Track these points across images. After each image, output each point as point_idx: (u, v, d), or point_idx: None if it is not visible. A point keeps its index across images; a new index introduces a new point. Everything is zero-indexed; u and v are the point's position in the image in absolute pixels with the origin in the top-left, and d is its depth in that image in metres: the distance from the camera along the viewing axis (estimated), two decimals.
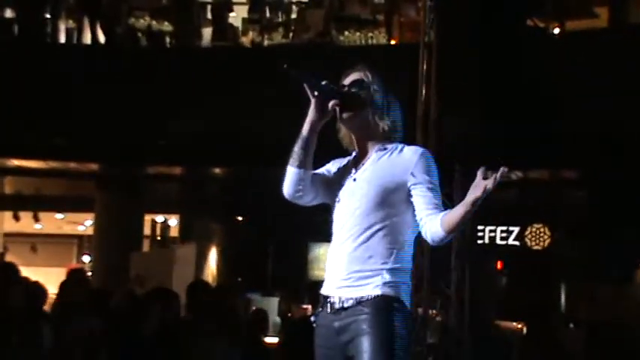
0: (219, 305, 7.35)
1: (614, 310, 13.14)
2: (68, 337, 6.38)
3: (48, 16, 12.65)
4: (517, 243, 13.44)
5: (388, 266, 3.30)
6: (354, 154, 3.50)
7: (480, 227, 12.97)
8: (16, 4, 12.67)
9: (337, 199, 3.42)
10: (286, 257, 15.22)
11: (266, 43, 12.83)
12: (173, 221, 16.74)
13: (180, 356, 6.87)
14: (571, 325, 13.92)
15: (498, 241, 13.46)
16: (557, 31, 11.34)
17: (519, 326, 12.95)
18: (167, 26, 12.92)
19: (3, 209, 16.81)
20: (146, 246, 15.81)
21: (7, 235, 17.97)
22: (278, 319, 10.25)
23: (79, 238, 20.39)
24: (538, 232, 13.36)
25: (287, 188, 3.44)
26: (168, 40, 13.11)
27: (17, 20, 12.60)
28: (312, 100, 3.37)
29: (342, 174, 3.46)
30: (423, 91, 8.70)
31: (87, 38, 12.47)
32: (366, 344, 3.22)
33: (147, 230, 15.74)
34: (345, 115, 3.40)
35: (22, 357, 6.17)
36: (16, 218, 16.39)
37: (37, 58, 11.58)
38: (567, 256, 13.59)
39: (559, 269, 14.25)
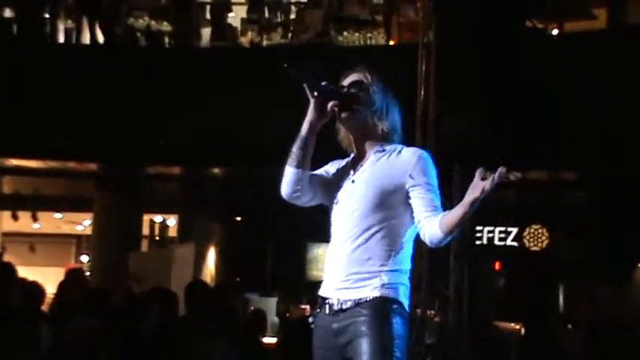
0: (218, 305, 7.35)
1: (613, 310, 13.13)
2: (66, 337, 6.37)
3: (47, 15, 12.65)
4: (515, 244, 13.43)
5: (387, 268, 3.29)
6: (352, 155, 3.49)
7: (478, 228, 12.96)
8: (15, 3, 12.67)
9: (335, 201, 3.42)
10: (285, 257, 15.20)
11: (265, 43, 12.82)
12: (172, 221, 16.73)
13: (178, 356, 6.87)
14: (570, 326, 13.91)
15: (497, 242, 13.45)
16: (555, 32, 11.35)
17: (518, 327, 12.93)
18: (166, 26, 12.91)
19: (1, 209, 16.79)
20: (145, 246, 15.81)
21: (5, 234, 17.95)
22: (276, 320, 10.25)
23: (78, 237, 20.38)
24: (537, 232, 13.35)
25: (285, 188, 3.44)
26: (167, 40, 13.10)
27: (16, 20, 12.60)
28: (312, 101, 3.36)
29: (341, 175, 3.46)
30: (422, 92, 8.69)
31: (86, 38, 12.46)
32: (364, 346, 3.22)
33: (145, 230, 15.74)
34: (344, 116, 3.40)
35: (20, 357, 6.16)
36: (15, 218, 16.37)
37: (36, 57, 11.57)
38: (566, 256, 13.57)
39: (558, 270, 14.23)
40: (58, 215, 17.99)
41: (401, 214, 3.32)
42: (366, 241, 3.30)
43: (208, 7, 13.22)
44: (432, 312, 8.99)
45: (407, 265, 3.36)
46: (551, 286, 14.65)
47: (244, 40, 13.10)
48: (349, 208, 3.35)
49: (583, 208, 12.82)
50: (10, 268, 7.13)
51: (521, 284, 14.10)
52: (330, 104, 3.36)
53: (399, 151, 3.38)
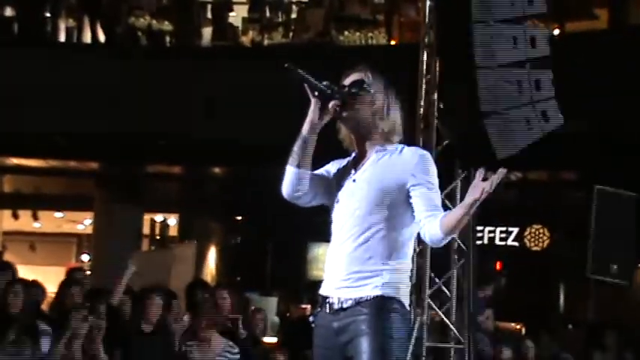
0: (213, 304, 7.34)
1: (613, 310, 13.12)
2: (67, 336, 6.37)
3: (48, 14, 12.65)
4: (516, 244, 13.44)
5: (388, 267, 3.29)
6: (353, 154, 3.49)
7: (479, 228, 12.96)
8: (16, 2, 12.67)
9: (336, 200, 3.42)
10: (285, 257, 15.20)
11: (266, 42, 12.83)
12: (172, 220, 16.74)
13: (178, 355, 6.87)
14: (570, 326, 13.90)
15: (497, 242, 13.46)
16: (557, 32, 11.33)
17: (518, 327, 12.92)
18: (167, 26, 12.91)
19: (2, 208, 16.80)
20: (145, 245, 15.81)
21: (5, 233, 17.95)
22: (277, 319, 10.26)
23: (78, 237, 20.35)
24: (537, 232, 13.37)
25: (285, 188, 3.43)
26: (168, 39, 13.10)
27: (17, 19, 12.60)
28: (312, 100, 3.36)
29: (342, 175, 3.45)
30: (423, 92, 8.68)
31: (87, 37, 12.47)
32: (365, 345, 3.22)
33: (146, 230, 15.74)
34: (345, 116, 3.40)
35: (20, 357, 6.16)
36: (15, 217, 16.38)
37: (37, 57, 11.57)
38: (566, 256, 13.57)
39: (558, 270, 14.23)
40: (58, 214, 17.98)
41: (402, 213, 3.32)
42: (368, 240, 3.30)
43: (209, 7, 13.23)
44: (433, 312, 8.97)
45: (408, 264, 3.36)
46: (551, 286, 14.65)
47: (245, 40, 13.11)
48: (350, 208, 3.35)
49: (583, 209, 12.80)
50: (10, 268, 7.15)
51: (522, 284, 14.10)
52: (331, 104, 3.36)
53: (401, 151, 3.38)
